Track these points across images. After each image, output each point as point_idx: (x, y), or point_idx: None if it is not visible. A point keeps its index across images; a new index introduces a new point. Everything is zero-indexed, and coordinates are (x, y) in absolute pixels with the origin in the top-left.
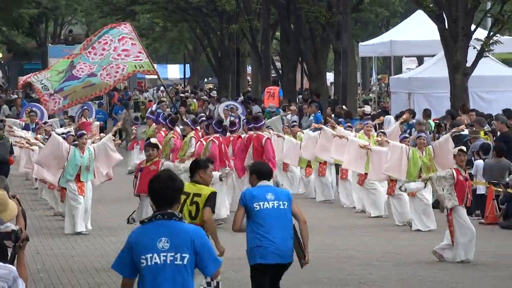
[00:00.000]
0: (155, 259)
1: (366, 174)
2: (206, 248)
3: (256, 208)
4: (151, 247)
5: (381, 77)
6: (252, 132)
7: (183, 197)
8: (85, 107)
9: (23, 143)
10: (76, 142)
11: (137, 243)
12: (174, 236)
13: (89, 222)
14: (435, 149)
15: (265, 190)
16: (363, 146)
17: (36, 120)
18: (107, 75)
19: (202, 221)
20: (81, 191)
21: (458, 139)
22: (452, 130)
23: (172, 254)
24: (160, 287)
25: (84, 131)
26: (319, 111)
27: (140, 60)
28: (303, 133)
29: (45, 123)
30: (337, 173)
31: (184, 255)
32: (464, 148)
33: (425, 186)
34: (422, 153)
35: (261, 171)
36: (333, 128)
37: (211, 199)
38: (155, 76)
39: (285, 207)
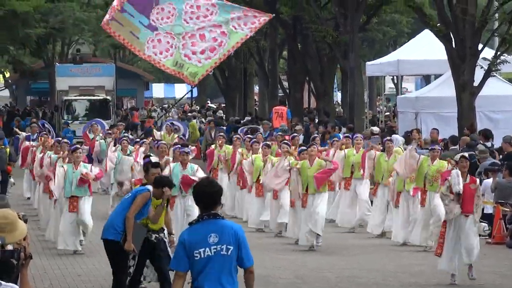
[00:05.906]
0: (207, 252)
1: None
2: (246, 243)
3: None
4: (204, 242)
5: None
6: None
7: None
8: (94, 122)
9: None
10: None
11: (190, 240)
12: (221, 231)
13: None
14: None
15: None
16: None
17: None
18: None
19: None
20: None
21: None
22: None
23: (220, 246)
24: (209, 275)
25: (77, 146)
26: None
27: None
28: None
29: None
30: None
31: (229, 247)
32: (466, 154)
33: None
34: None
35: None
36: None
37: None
38: (162, 95)
39: None
